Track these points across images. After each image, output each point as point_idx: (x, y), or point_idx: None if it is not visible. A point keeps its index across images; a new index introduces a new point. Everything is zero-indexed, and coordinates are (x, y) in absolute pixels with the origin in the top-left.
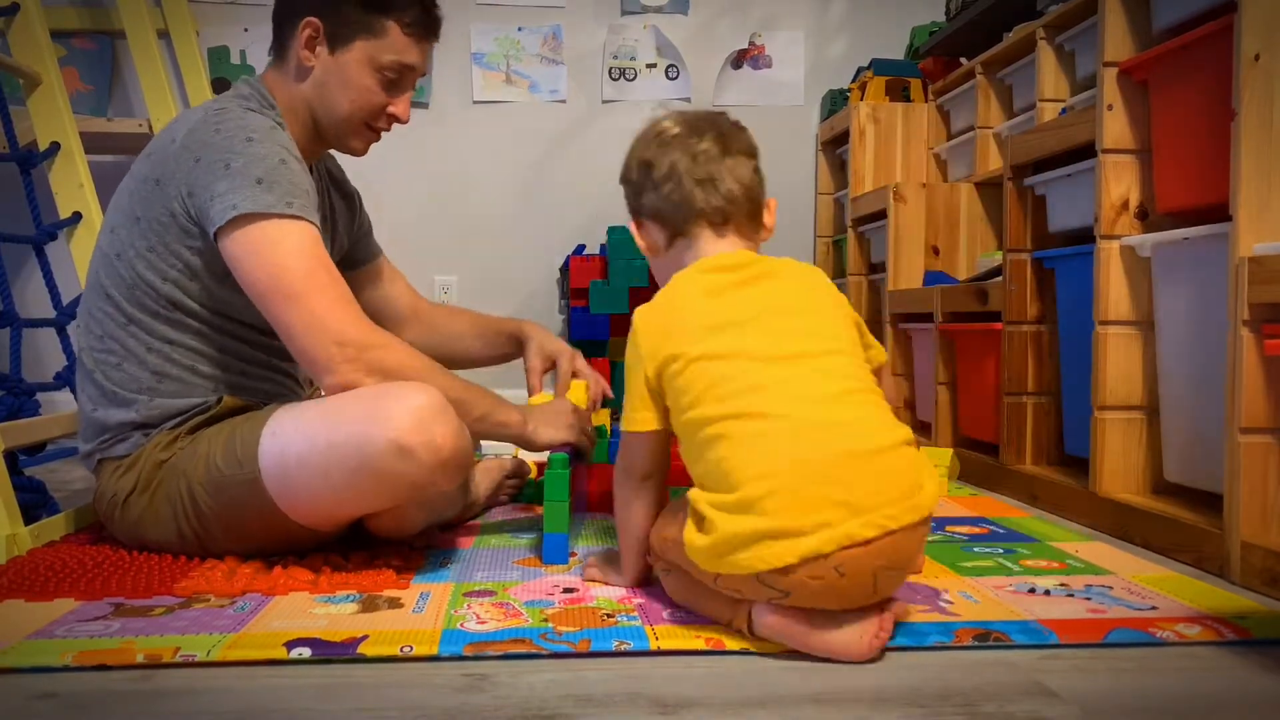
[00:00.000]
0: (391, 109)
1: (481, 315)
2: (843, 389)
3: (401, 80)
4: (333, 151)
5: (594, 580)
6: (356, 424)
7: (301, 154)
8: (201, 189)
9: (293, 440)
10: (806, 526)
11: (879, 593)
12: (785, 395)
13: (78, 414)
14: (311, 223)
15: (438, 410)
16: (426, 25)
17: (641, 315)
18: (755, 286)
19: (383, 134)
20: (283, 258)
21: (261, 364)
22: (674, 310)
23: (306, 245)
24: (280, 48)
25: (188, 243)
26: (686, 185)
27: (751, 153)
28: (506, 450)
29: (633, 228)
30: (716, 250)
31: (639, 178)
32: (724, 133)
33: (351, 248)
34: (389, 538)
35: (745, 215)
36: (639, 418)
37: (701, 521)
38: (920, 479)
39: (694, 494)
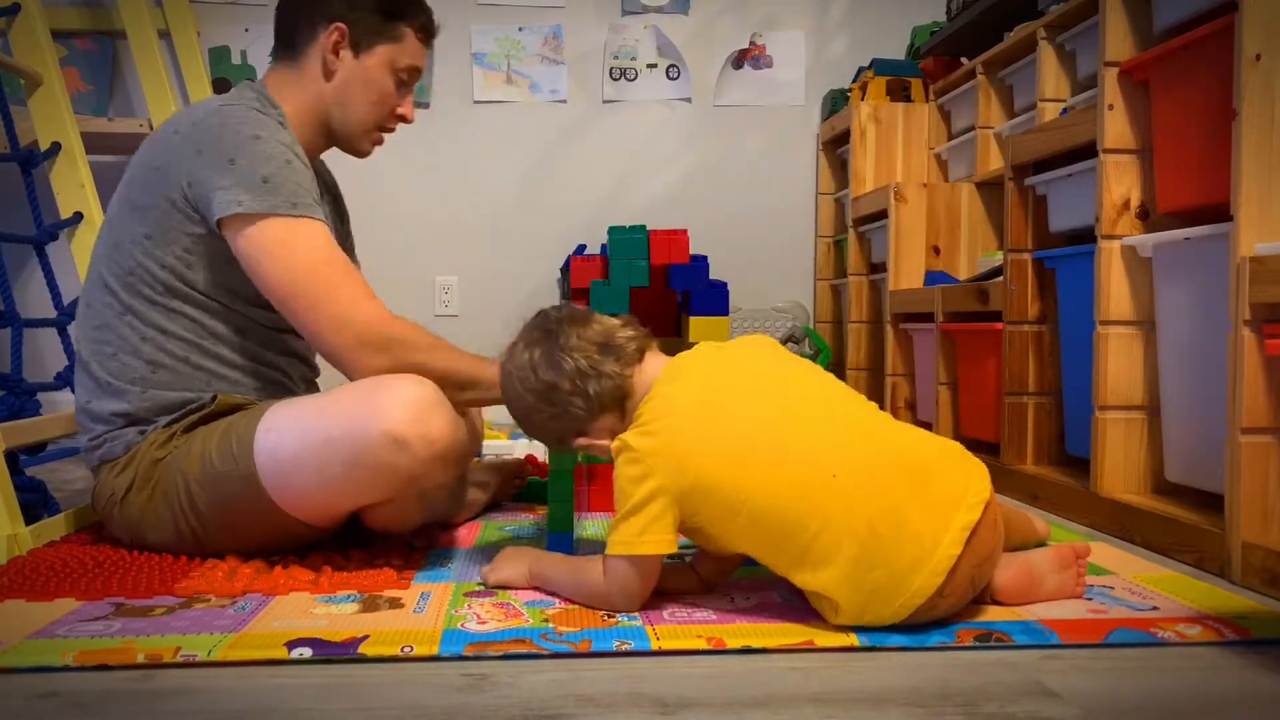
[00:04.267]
0: (400, 110)
1: None
2: None
3: (410, 82)
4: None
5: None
6: (351, 417)
7: (305, 151)
8: (203, 180)
9: (288, 435)
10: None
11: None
12: None
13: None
14: (317, 219)
15: (432, 402)
16: (431, 30)
17: None
18: None
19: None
20: (295, 259)
21: (271, 343)
22: None
23: (316, 243)
24: (291, 51)
25: (189, 229)
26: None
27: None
28: (509, 450)
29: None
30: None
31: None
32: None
33: None
34: (386, 532)
35: None
36: None
37: None
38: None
39: None
